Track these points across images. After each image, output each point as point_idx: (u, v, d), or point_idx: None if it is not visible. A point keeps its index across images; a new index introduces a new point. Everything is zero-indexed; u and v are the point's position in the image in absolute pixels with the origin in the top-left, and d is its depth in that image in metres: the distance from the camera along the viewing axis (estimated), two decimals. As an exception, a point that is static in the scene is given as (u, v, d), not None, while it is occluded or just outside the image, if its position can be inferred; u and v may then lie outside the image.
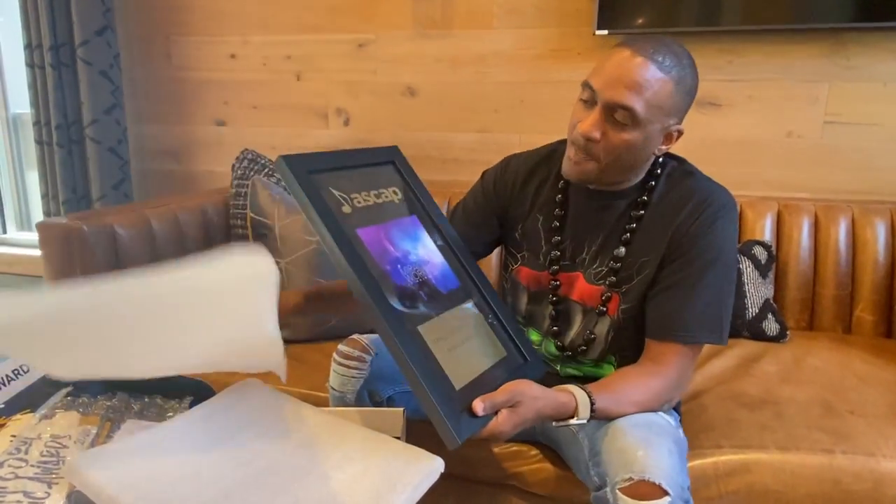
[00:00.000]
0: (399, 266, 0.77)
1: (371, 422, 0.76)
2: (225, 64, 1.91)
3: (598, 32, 1.61)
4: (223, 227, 1.66)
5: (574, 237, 0.87)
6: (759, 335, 1.47)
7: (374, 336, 0.97)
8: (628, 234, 0.84)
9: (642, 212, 0.83)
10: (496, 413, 0.70)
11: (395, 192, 0.84)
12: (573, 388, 0.76)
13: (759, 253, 1.52)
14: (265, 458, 0.64)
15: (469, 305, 0.83)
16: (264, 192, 1.46)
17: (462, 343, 0.76)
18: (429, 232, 0.84)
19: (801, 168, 1.64)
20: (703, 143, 1.68)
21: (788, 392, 1.17)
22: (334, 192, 0.77)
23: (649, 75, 0.75)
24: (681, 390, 0.86)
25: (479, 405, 0.68)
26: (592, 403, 0.77)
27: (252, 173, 1.59)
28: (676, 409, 0.96)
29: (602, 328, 0.89)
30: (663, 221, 0.82)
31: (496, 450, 1.06)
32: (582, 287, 0.88)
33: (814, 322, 1.53)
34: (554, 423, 0.77)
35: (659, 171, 0.86)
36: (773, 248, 1.54)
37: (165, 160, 2.10)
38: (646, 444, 0.74)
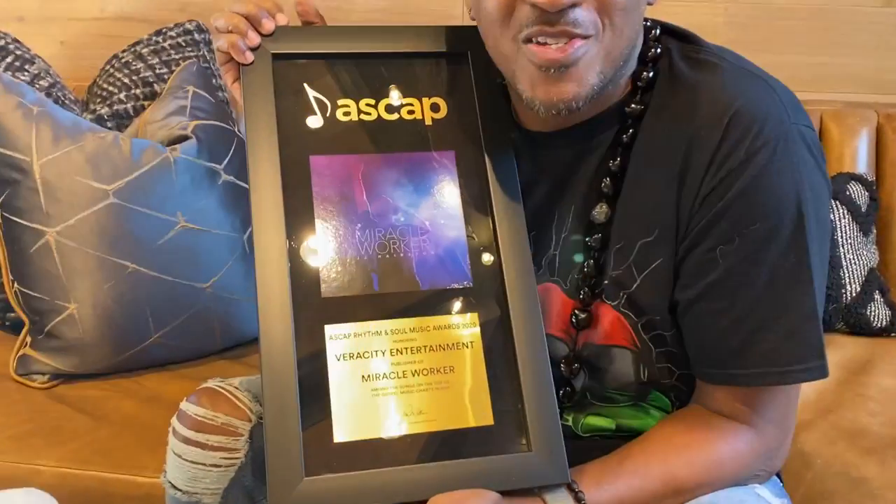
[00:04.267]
0: (358, 224, 0.82)
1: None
2: None
3: None
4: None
5: (534, 222, 0.86)
6: (860, 327, 1.43)
7: (254, 380, 0.93)
8: (608, 180, 0.82)
9: (631, 131, 0.81)
10: None
11: (433, 108, 0.86)
12: (551, 497, 0.76)
13: (857, 194, 1.48)
14: None
15: (456, 321, 0.82)
16: (9, 103, 1.33)
17: (403, 378, 0.79)
18: (465, 185, 0.85)
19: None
20: (752, 14, 1.59)
21: (929, 425, 1.18)
22: (311, 92, 0.84)
23: None
24: (778, 456, 0.85)
25: None
26: None
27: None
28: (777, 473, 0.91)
29: (623, 368, 0.86)
30: (665, 157, 0.80)
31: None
32: (562, 305, 0.87)
33: (933, 300, 1.52)
34: None
35: (656, 51, 0.82)
36: (875, 186, 1.50)
37: None
38: None
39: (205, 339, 1.37)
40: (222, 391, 0.90)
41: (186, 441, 0.88)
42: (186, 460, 0.87)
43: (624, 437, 0.86)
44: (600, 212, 0.83)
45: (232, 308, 1.38)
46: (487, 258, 0.84)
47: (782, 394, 0.81)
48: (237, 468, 0.88)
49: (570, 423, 0.91)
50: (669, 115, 0.80)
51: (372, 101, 0.86)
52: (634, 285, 0.82)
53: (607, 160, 0.83)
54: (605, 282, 0.84)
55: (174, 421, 0.89)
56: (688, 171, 0.78)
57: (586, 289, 0.84)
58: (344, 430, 0.76)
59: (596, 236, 0.83)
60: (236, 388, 0.91)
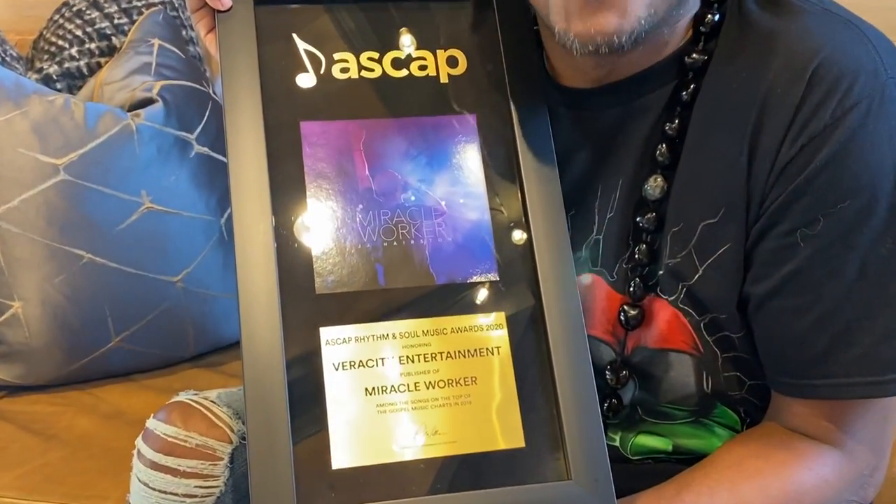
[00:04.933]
0: (359, 205, 0.82)
1: None
2: None
3: None
4: None
5: (573, 200, 0.87)
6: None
7: (235, 393, 0.94)
8: (663, 146, 0.82)
9: (692, 87, 0.81)
10: None
11: (450, 62, 0.87)
12: None
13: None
14: None
15: (479, 322, 0.82)
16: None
17: (415, 391, 0.80)
18: (490, 155, 0.85)
19: None
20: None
21: None
22: (301, 44, 0.85)
23: None
24: (870, 483, 0.84)
25: None
26: None
27: None
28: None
29: (682, 377, 0.87)
30: (733, 119, 0.80)
31: None
32: (607, 300, 0.88)
33: None
34: None
35: None
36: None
37: None
38: None
39: (175, 343, 1.38)
40: (197, 406, 0.90)
41: (154, 466, 0.88)
42: (154, 489, 0.87)
43: (683, 460, 0.87)
44: (654, 185, 0.82)
45: (208, 306, 1.38)
46: (517, 245, 0.83)
47: (876, 408, 0.80)
48: (215, 498, 0.88)
49: (617, 443, 0.91)
50: (738, 67, 0.79)
51: (375, 55, 0.85)
52: (696, 276, 0.82)
53: (663, 122, 0.82)
54: (660, 272, 0.84)
55: (139, 442, 0.89)
56: (761, 137, 0.77)
57: (637, 280, 0.84)
58: (344, 453, 0.76)
59: (649, 216, 0.83)
60: (213, 402, 0.91)
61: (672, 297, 0.84)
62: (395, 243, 0.81)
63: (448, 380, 0.79)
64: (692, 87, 0.81)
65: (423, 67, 0.86)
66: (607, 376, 0.87)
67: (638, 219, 0.83)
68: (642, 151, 0.84)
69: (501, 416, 0.79)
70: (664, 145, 0.82)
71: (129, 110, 1.39)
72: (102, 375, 1.35)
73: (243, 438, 0.89)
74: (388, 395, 0.78)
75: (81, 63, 1.53)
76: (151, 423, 0.90)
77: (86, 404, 1.30)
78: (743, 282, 0.81)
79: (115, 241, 1.33)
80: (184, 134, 1.40)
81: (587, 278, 0.88)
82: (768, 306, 0.80)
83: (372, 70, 0.85)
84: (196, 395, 0.92)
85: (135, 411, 1.22)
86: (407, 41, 0.86)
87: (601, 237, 0.87)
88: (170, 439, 0.88)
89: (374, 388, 0.77)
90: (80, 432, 1.24)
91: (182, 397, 0.92)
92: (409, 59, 0.86)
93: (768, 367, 0.82)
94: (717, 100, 0.80)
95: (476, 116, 0.85)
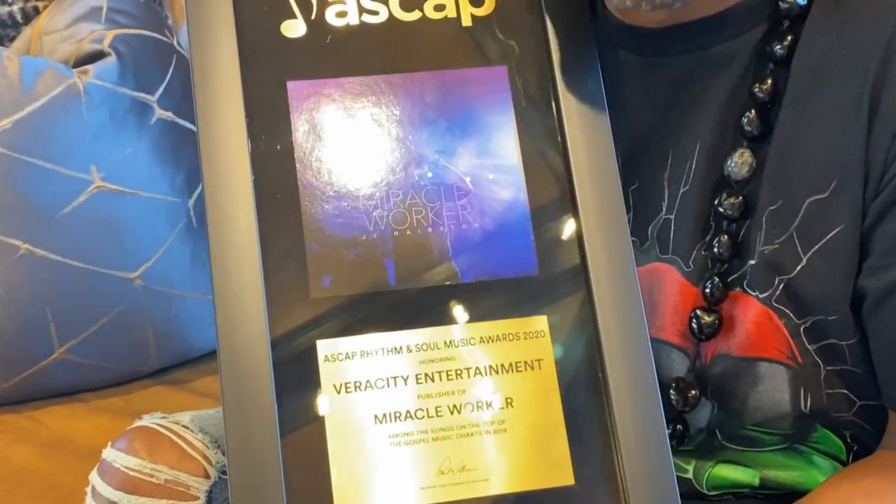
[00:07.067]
0: (362, 184, 0.84)
1: None
2: None
3: None
4: None
5: (636, 171, 0.90)
6: None
7: (210, 417, 0.96)
8: (752, 112, 0.83)
9: (789, 38, 0.82)
10: None
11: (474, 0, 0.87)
12: None
13: None
14: None
15: (514, 330, 0.83)
16: None
17: (437, 417, 0.81)
18: (525, 118, 0.86)
19: None
20: None
21: None
22: None
23: None
24: None
25: None
26: None
27: None
28: None
29: (773, 394, 0.88)
30: (846, 70, 0.80)
31: None
32: (680, 295, 0.90)
33: None
34: None
35: None
36: None
37: None
38: None
39: (133, 354, 1.39)
40: (166, 432, 0.90)
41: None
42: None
43: (771, 496, 0.87)
44: (740, 162, 0.82)
45: (173, 309, 1.40)
46: (562, 231, 0.83)
47: None
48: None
49: (690, 475, 0.92)
50: (851, 7, 0.79)
51: None
52: (797, 268, 0.81)
53: (749, 80, 0.82)
54: (752, 261, 0.83)
55: (94, 477, 0.90)
56: (885, 90, 0.76)
57: (716, 278, 0.84)
58: (349, 495, 0.76)
59: (732, 200, 0.83)
60: (186, 427, 0.91)
61: (765, 294, 0.84)
62: (408, 232, 0.82)
63: (477, 402, 0.79)
64: (789, 38, 0.81)
65: (439, 7, 0.85)
66: (671, 396, 0.88)
67: (717, 202, 0.84)
68: (723, 114, 0.84)
69: (544, 447, 0.79)
70: (753, 112, 0.82)
71: (74, 66, 1.39)
72: (44, 395, 1.36)
73: (223, 473, 0.90)
74: (403, 423, 0.78)
75: (14, 7, 1.53)
76: (109, 454, 0.90)
77: (24, 430, 1.31)
78: (858, 273, 0.81)
79: (58, 229, 1.34)
80: (142, 95, 1.41)
81: (654, 269, 0.89)
82: (888, 304, 0.79)
83: (376, 13, 0.85)
84: (164, 418, 0.92)
85: (84, 439, 1.23)
86: None
87: (672, 217, 0.87)
88: (132, 473, 0.89)
89: (385, 415, 0.78)
90: (18, 465, 1.24)
91: (147, 421, 0.92)
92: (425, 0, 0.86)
93: (885, 380, 0.82)
94: (825, 49, 0.80)
95: (507, 68, 0.86)
